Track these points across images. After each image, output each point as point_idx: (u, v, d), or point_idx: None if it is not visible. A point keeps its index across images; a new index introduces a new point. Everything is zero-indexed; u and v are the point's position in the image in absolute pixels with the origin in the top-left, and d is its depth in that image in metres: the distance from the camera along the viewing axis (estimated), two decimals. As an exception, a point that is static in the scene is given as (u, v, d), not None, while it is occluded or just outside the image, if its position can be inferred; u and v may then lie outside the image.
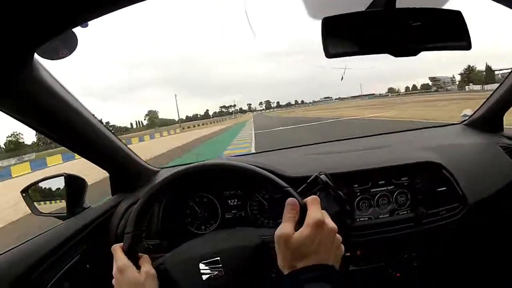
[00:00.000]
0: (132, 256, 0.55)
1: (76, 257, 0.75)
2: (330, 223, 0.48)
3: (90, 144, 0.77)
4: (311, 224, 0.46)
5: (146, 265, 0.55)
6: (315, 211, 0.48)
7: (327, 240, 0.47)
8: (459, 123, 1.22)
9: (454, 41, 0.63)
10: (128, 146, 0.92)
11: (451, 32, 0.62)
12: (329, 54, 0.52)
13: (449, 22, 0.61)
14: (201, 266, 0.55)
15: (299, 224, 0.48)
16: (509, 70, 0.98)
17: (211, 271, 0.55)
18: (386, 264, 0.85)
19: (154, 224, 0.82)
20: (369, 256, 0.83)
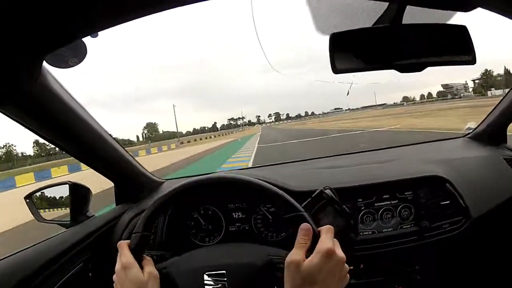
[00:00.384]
0: (137, 256, 0.55)
1: (79, 265, 0.74)
2: (340, 253, 0.49)
3: (95, 153, 0.78)
4: (321, 252, 0.47)
5: (150, 266, 0.55)
6: (327, 240, 0.49)
7: (336, 269, 0.48)
8: (463, 136, 1.22)
9: (459, 56, 0.63)
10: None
11: (456, 47, 0.63)
12: (336, 70, 0.53)
13: (454, 37, 0.62)
14: (205, 277, 0.55)
15: (310, 251, 0.48)
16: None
17: (215, 283, 0.54)
18: (389, 277, 0.84)
19: (158, 235, 0.82)
20: (372, 270, 0.83)
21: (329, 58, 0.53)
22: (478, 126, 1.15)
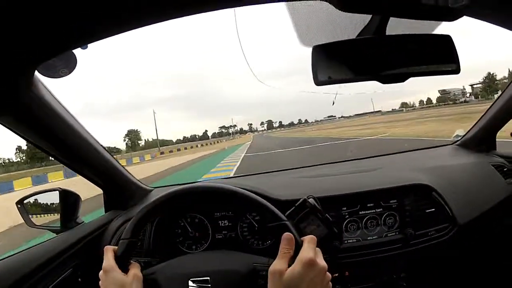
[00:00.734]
0: (124, 262, 0.56)
1: (68, 271, 0.75)
2: (322, 262, 0.50)
3: (85, 161, 0.79)
4: (302, 262, 0.48)
5: (135, 269, 0.56)
6: (309, 249, 0.50)
7: (317, 279, 0.48)
8: (451, 144, 1.23)
9: (443, 65, 0.64)
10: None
11: (441, 56, 0.63)
12: (318, 82, 0.54)
13: (439, 47, 0.63)
14: (190, 283, 0.56)
15: (293, 260, 0.49)
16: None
17: None
18: (374, 284, 0.85)
19: (145, 242, 0.82)
20: (357, 277, 0.84)
21: (311, 70, 0.54)
22: (466, 133, 1.16)
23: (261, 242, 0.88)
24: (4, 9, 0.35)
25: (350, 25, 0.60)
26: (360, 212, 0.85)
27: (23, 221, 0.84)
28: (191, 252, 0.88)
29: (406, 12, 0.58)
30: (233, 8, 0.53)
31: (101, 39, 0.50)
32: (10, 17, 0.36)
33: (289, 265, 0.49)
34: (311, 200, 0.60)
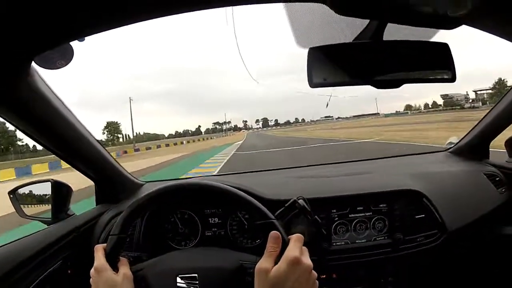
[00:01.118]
0: (113, 258, 0.57)
1: (58, 262, 0.75)
2: (307, 261, 0.50)
3: (78, 153, 0.79)
4: (287, 261, 0.48)
5: (125, 268, 0.57)
6: (295, 248, 0.50)
7: (303, 277, 0.49)
8: (444, 151, 1.23)
9: (439, 73, 0.65)
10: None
11: (437, 64, 0.64)
12: (312, 84, 0.54)
13: (435, 55, 0.63)
14: (178, 279, 0.56)
15: (279, 258, 0.50)
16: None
17: (187, 285, 0.56)
18: (362, 287, 0.85)
19: (135, 237, 0.82)
20: (345, 280, 0.84)
21: (306, 72, 0.54)
22: (460, 141, 1.17)
23: (250, 241, 0.88)
24: (3, 1, 0.35)
25: (347, 28, 0.60)
26: (350, 215, 0.85)
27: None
28: (180, 248, 0.89)
29: (404, 19, 0.58)
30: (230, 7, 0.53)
31: (98, 32, 0.50)
32: (8, 9, 0.36)
33: (276, 263, 0.49)
34: (300, 201, 0.61)
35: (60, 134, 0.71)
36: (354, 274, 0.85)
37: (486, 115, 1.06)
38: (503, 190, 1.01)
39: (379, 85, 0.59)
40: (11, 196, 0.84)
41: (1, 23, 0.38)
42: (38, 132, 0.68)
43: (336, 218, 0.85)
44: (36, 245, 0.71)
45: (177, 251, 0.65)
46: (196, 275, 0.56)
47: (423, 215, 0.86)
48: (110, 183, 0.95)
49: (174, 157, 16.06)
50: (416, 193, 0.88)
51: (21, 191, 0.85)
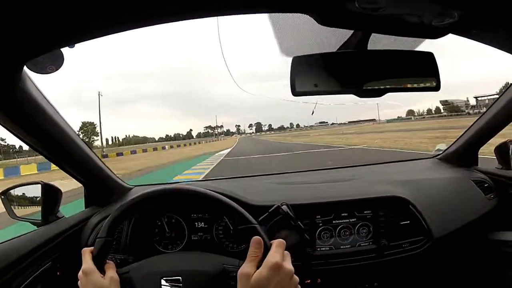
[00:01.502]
0: (100, 260, 0.58)
1: (48, 263, 0.76)
2: (288, 266, 0.51)
3: (68, 157, 0.80)
4: (268, 266, 0.49)
5: (111, 271, 0.58)
6: (276, 253, 0.51)
7: (284, 282, 0.50)
8: (433, 157, 1.24)
9: (423, 82, 0.65)
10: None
11: (421, 73, 0.65)
12: (295, 92, 0.55)
13: (420, 64, 0.64)
14: (163, 282, 0.57)
15: (261, 263, 0.51)
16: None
17: None
18: None
19: (123, 240, 0.83)
20: (330, 284, 0.85)
21: (289, 80, 0.55)
22: (448, 148, 1.18)
23: (236, 245, 0.89)
24: None
25: (332, 38, 0.61)
26: (334, 221, 0.86)
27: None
28: (167, 251, 0.90)
29: (389, 29, 0.59)
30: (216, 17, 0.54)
31: (87, 40, 0.52)
32: (2, 16, 0.38)
33: (258, 268, 0.50)
34: (284, 207, 0.62)
35: (50, 137, 0.72)
36: (339, 279, 0.86)
37: (475, 122, 1.07)
38: (492, 196, 1.02)
39: (362, 94, 0.60)
40: (2, 197, 0.84)
41: None
42: (30, 136, 0.69)
43: (321, 224, 0.85)
44: (26, 246, 0.72)
45: (162, 255, 0.66)
46: (180, 278, 0.57)
47: (408, 221, 0.87)
48: (99, 186, 0.96)
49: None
50: (401, 200, 0.88)
51: (12, 192, 0.86)
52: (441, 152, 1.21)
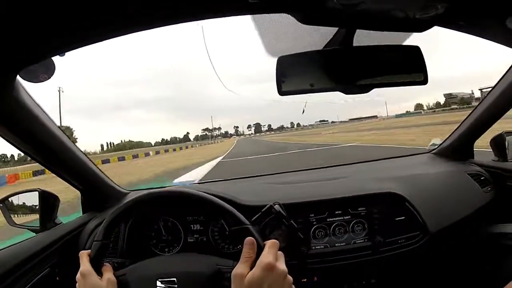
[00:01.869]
0: (97, 263, 0.59)
1: (46, 270, 0.77)
2: (281, 266, 0.51)
3: (63, 164, 0.82)
4: (261, 266, 0.50)
5: (109, 273, 0.59)
6: (269, 254, 0.52)
7: (277, 283, 0.50)
8: (428, 152, 1.24)
9: (410, 76, 0.65)
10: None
11: (408, 67, 0.65)
12: (281, 92, 0.56)
13: (407, 58, 0.64)
14: (158, 283, 0.58)
15: (255, 264, 0.51)
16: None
17: None
18: None
19: (119, 243, 0.84)
20: (326, 282, 0.85)
21: (275, 80, 0.56)
22: (443, 142, 1.17)
23: (232, 246, 0.89)
24: None
25: (316, 36, 0.61)
26: (328, 219, 0.86)
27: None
28: (163, 254, 0.90)
29: (373, 25, 0.59)
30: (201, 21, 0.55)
31: (77, 48, 0.53)
32: None
33: (252, 269, 0.51)
34: (276, 207, 0.62)
35: (45, 145, 0.73)
36: (336, 277, 0.86)
37: (469, 115, 1.07)
38: (489, 189, 1.01)
39: (348, 91, 0.61)
40: (1, 205, 0.86)
41: None
42: (25, 144, 0.71)
43: (315, 222, 0.85)
44: (25, 253, 0.73)
45: (158, 257, 0.67)
46: (175, 279, 0.58)
47: (403, 217, 0.87)
48: (95, 192, 0.98)
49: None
50: (395, 196, 0.88)
51: (10, 200, 0.87)
52: (436, 146, 1.21)
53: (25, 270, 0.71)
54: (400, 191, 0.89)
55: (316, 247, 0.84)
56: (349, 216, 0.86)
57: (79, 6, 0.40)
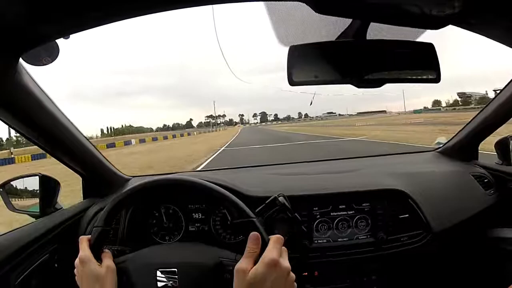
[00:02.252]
0: (97, 249, 0.58)
1: (45, 256, 0.76)
2: (285, 263, 0.51)
3: (65, 148, 0.80)
4: (265, 262, 0.49)
5: (108, 260, 0.58)
6: (273, 250, 0.51)
7: (280, 279, 0.50)
8: (433, 151, 1.23)
9: (423, 73, 0.64)
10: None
11: (421, 64, 0.63)
12: (292, 82, 0.54)
13: (420, 55, 0.62)
14: (158, 273, 0.57)
15: (259, 259, 0.50)
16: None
17: (167, 280, 0.57)
18: (345, 285, 0.86)
19: (120, 231, 0.83)
20: (327, 277, 0.85)
21: (286, 70, 0.54)
22: (449, 141, 1.17)
23: (233, 237, 0.89)
24: None
25: (330, 27, 0.60)
26: (332, 213, 0.85)
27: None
28: (164, 242, 0.90)
29: (388, 19, 0.58)
30: (211, 5, 0.53)
31: (82, 30, 0.52)
32: None
33: (255, 264, 0.50)
34: (281, 199, 0.62)
35: (48, 129, 0.72)
36: (337, 272, 0.85)
37: (475, 116, 1.06)
38: (492, 192, 1.01)
39: (360, 84, 0.60)
40: (1, 190, 0.85)
41: None
42: (27, 128, 0.69)
43: (318, 216, 0.85)
44: (24, 238, 0.72)
45: (159, 246, 0.66)
46: (175, 269, 0.57)
47: (407, 215, 0.86)
48: (97, 177, 0.96)
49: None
50: (400, 193, 0.88)
51: (10, 184, 0.86)
52: (441, 145, 1.20)
53: (24, 256, 0.70)
54: (405, 189, 0.88)
55: (319, 241, 0.84)
56: (353, 211, 0.86)
57: None
